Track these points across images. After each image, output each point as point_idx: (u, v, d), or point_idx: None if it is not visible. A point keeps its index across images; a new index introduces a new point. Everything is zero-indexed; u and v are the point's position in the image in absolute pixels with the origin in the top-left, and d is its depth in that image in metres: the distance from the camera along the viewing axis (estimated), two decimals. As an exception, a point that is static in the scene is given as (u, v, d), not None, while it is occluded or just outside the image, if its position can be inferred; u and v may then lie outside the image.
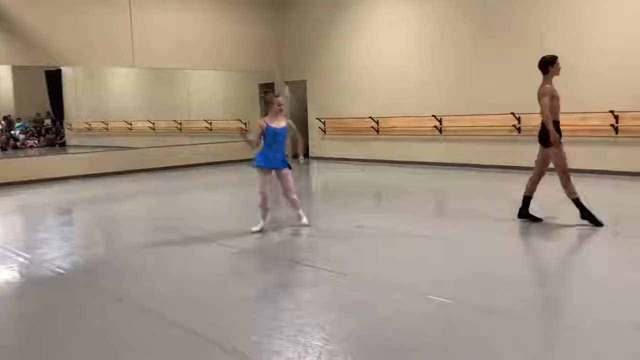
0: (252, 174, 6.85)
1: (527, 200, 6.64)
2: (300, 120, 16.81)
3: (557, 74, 6.39)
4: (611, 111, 10.03)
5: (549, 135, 6.27)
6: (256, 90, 16.85)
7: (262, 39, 16.13)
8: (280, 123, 6.83)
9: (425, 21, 13.32)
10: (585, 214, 6.26)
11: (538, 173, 6.62)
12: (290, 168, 6.93)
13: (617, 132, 10.21)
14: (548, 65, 6.35)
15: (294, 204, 6.97)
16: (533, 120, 11.24)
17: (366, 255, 5.70)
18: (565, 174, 6.32)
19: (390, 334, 3.68)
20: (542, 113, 6.31)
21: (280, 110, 6.84)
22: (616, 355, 3.25)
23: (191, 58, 14.74)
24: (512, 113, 11.68)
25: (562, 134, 6.39)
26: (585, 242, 6.03)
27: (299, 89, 16.56)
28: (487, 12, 12.10)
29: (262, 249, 6.19)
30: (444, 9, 12.89)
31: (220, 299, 4.55)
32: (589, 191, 6.68)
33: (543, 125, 6.36)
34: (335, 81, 15.48)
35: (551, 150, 6.33)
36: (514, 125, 11.77)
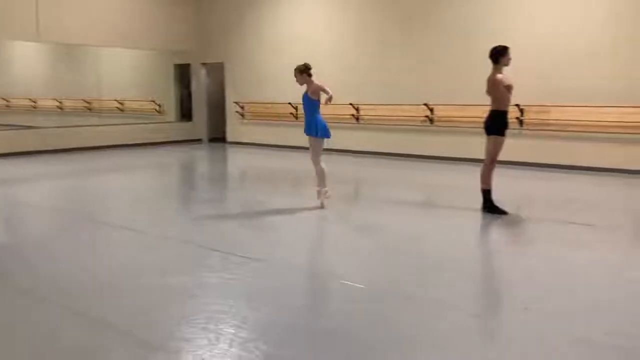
0: (164, 157, 6.58)
1: (487, 193, 6.62)
2: (217, 103, 16.52)
3: (508, 64, 6.47)
4: (517, 105, 10.53)
5: (495, 123, 6.44)
6: (171, 70, 16.31)
7: (178, 18, 15.59)
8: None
9: (345, 7, 13.39)
10: (488, 205, 6.51)
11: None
12: (316, 135, 6.97)
13: (521, 125, 10.75)
14: (498, 55, 6.44)
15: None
16: (446, 112, 11.76)
17: (283, 241, 5.68)
18: (491, 165, 6.55)
19: (303, 320, 3.68)
20: (494, 102, 6.43)
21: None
22: (517, 337, 3.42)
23: (101, 35, 14.01)
24: (426, 104, 12.02)
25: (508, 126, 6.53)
26: (521, 233, 6.28)
27: (217, 71, 16.20)
28: (407, 1, 12.33)
29: (176, 235, 6.00)
30: (363, -2, 13.02)
31: (130, 287, 4.37)
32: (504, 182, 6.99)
33: (491, 113, 6.50)
34: (255, 65, 15.26)
35: (492, 138, 6.51)
36: (426, 116, 12.12)
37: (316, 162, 7.11)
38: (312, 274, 4.55)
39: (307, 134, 7.14)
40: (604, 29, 9.83)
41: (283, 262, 4.90)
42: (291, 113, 14.48)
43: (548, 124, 10.53)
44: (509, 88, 6.41)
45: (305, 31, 14.09)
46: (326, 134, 7.07)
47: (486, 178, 6.58)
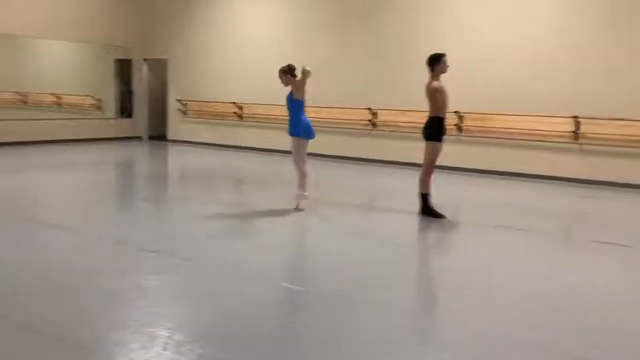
0: (102, 154, 6.38)
1: (425, 197, 6.75)
2: (159, 101, 16.16)
3: (444, 71, 6.60)
4: (456, 112, 10.81)
5: (433, 129, 6.57)
6: (111, 65, 15.82)
7: (120, 12, 15.17)
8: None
9: (293, 8, 13.39)
10: (426, 208, 6.67)
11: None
12: (299, 136, 6.98)
13: (460, 131, 11.05)
14: (434, 62, 6.58)
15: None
16: (388, 116, 11.94)
17: (223, 243, 5.60)
18: (429, 170, 6.69)
19: (240, 322, 3.64)
20: (432, 108, 6.56)
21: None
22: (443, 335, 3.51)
23: (38, 26, 13.44)
24: (369, 108, 12.17)
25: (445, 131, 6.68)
26: (456, 237, 6.42)
27: (160, 67, 15.85)
28: (353, 5, 12.45)
29: (111, 235, 5.81)
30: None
31: (61, 289, 4.20)
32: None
33: (430, 119, 6.62)
34: (199, 62, 15.03)
35: (430, 144, 6.65)
36: (369, 120, 12.27)
37: (300, 164, 7.07)
38: (252, 276, 4.51)
39: (290, 135, 7.11)
40: (543, 40, 10.23)
41: (222, 263, 4.83)
42: (235, 112, 14.35)
43: (485, 131, 10.88)
44: (441, 95, 6.55)
45: (253, 30, 14.00)
46: (310, 134, 7.05)
47: (424, 182, 6.74)
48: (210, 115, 14.92)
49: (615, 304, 4.07)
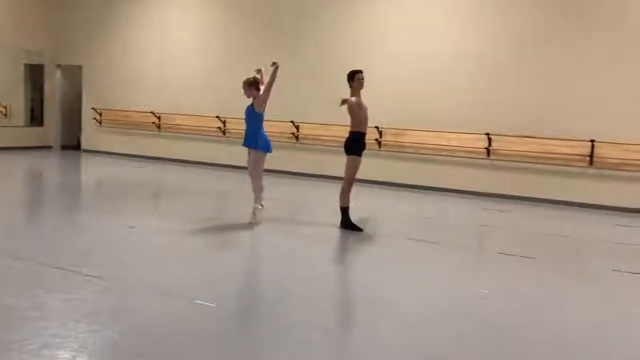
0: (8, 164, 6.00)
1: (345, 210, 6.81)
2: (73, 108, 15.47)
3: (360, 87, 6.73)
4: (376, 127, 11.03)
5: (352, 144, 6.66)
6: (21, 71, 14.98)
7: (31, 14, 14.42)
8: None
9: (218, 17, 13.24)
10: (345, 221, 6.76)
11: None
12: (257, 148, 6.98)
13: (379, 146, 11.30)
14: (349, 78, 6.76)
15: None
16: (311, 130, 12.02)
17: (134, 258, 5.38)
18: (349, 184, 6.77)
19: (151, 340, 3.50)
20: (352, 123, 6.70)
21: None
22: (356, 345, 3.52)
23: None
24: (292, 121, 12.20)
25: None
26: (374, 250, 6.47)
27: (74, 74, 15.19)
28: (279, 18, 12.47)
29: (13, 250, 5.44)
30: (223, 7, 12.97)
31: (-51, 309, 3.87)
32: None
33: (350, 134, 6.72)
34: (117, 69, 14.53)
35: (350, 158, 6.72)
36: (291, 133, 12.30)
37: (255, 178, 7.01)
38: (164, 293, 4.36)
39: (247, 147, 7.08)
40: (457, 59, 10.66)
41: (132, 280, 4.64)
42: (153, 122, 13.96)
43: (403, 146, 11.18)
44: (360, 110, 6.67)
45: (174, 38, 13.71)
46: (268, 148, 7.03)
47: (344, 196, 6.82)
48: (127, 125, 14.43)
49: (518, 314, 4.24)
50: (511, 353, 3.52)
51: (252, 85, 7.09)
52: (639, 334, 3.91)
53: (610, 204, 9.61)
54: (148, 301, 4.18)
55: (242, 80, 7.18)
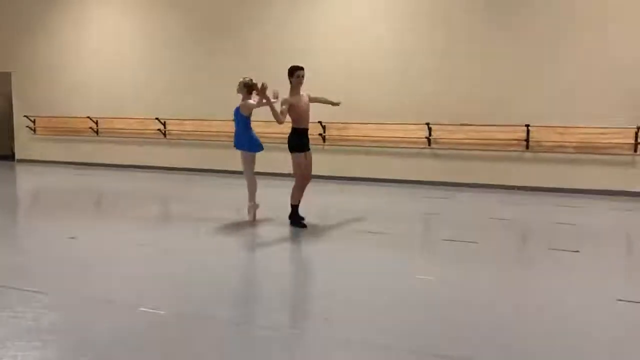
0: None
1: (294, 207, 6.88)
2: (4, 117, 14.82)
3: (300, 84, 6.72)
4: (320, 121, 11.07)
5: (292, 141, 6.69)
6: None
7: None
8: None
9: (150, 19, 12.93)
10: (294, 219, 6.81)
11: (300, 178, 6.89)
12: (241, 149, 7.13)
13: (324, 141, 11.34)
14: (288, 75, 6.72)
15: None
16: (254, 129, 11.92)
17: (76, 270, 5.19)
18: (298, 181, 6.80)
19: (96, 354, 3.39)
20: (292, 120, 6.72)
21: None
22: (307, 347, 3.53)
23: None
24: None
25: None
26: (323, 244, 6.47)
27: (3, 81, 14.54)
28: (206, 19, 12.29)
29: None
30: (158, 7, 12.70)
31: None
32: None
33: (291, 131, 6.73)
34: (49, 75, 14.00)
35: (293, 155, 6.74)
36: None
37: (246, 177, 7.22)
38: (108, 303, 4.23)
39: (236, 148, 7.24)
40: (395, 54, 10.82)
41: (74, 293, 4.48)
42: (91, 128, 13.54)
43: (347, 140, 11.27)
44: (296, 107, 6.68)
45: (108, 41, 13.32)
46: (253, 147, 7.13)
47: (294, 194, 6.85)
48: (63, 131, 13.94)
49: (463, 299, 4.36)
50: (464, 337, 3.61)
51: (247, 86, 7.16)
52: (577, 311, 4.08)
53: (547, 186, 10.00)
54: (91, 313, 4.06)
55: (240, 80, 7.21)
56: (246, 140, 7.14)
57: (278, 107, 6.70)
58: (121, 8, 13.16)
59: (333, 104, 7.45)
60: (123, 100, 13.22)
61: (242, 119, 7.17)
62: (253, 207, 7.24)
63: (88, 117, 13.47)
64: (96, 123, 13.50)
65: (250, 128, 7.23)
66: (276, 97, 6.97)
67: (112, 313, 4.05)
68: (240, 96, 7.25)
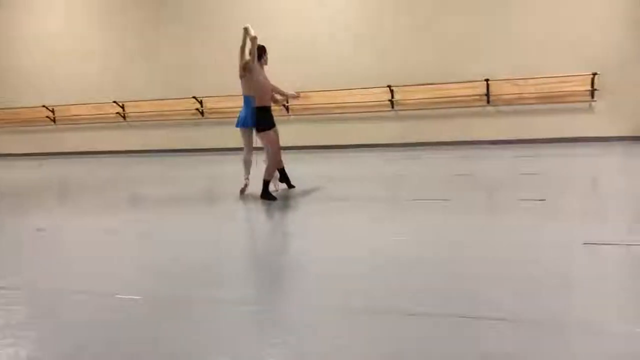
0: None
1: (267, 183, 6.88)
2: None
3: (266, 63, 6.84)
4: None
5: (262, 120, 6.66)
6: None
7: None
8: None
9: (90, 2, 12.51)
10: (265, 195, 6.81)
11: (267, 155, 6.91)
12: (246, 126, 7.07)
13: (287, 111, 11.26)
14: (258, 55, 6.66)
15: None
16: (216, 103, 11.75)
17: (48, 261, 5.09)
18: (274, 160, 6.81)
19: (73, 344, 3.35)
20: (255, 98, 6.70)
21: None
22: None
23: None
24: (194, 97, 11.88)
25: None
26: (296, 215, 6.46)
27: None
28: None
29: None
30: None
31: None
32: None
33: (256, 109, 6.68)
34: (-4, 65, 13.50)
35: (263, 135, 6.73)
36: (196, 109, 12.00)
37: (244, 152, 7.21)
38: (83, 293, 4.17)
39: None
40: (355, 20, 10.72)
41: (46, 285, 4.40)
42: (47, 117, 13.14)
43: (311, 108, 11.21)
44: (262, 86, 6.68)
45: (58, 28, 12.84)
46: (237, 123, 7.13)
47: (269, 171, 6.84)
48: (17, 123, 13.51)
49: (441, 256, 4.43)
50: (436, 291, 3.68)
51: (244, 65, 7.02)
52: (545, 256, 4.20)
53: (509, 138, 10.17)
54: (66, 305, 3.99)
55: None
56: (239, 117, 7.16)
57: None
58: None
59: (287, 97, 7.55)
60: (77, 85, 12.84)
61: (245, 98, 7.14)
62: (244, 181, 7.28)
63: (44, 106, 13.06)
64: (52, 112, 13.11)
65: (249, 104, 7.08)
66: (298, 95, 7.46)
67: (87, 303, 3.99)
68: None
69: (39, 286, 4.40)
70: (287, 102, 7.65)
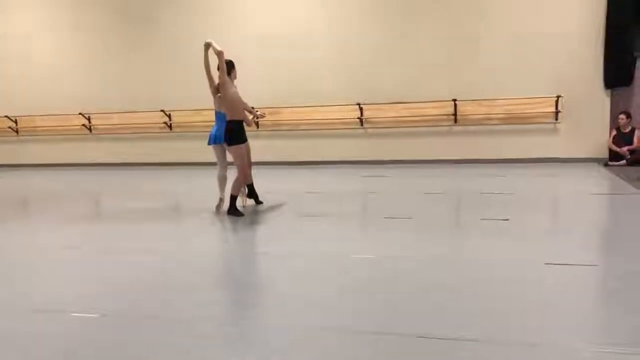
0: None
1: (234, 198, 6.81)
2: None
3: (235, 77, 6.81)
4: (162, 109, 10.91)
5: (233, 135, 6.61)
6: None
7: None
8: None
9: (57, 8, 12.33)
10: (232, 209, 6.73)
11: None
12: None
13: (257, 127, 11.23)
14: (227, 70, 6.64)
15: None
16: (185, 117, 11.63)
17: (1, 280, 4.92)
18: (242, 174, 6.74)
19: (25, 367, 3.22)
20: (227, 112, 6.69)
21: None
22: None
23: None
24: (163, 110, 11.77)
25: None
26: (265, 232, 6.39)
27: None
28: (128, 5, 11.85)
29: None
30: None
31: None
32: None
33: (228, 124, 6.65)
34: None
35: (233, 149, 6.67)
36: (164, 123, 11.88)
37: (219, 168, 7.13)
38: (36, 312, 4.03)
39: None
40: (327, 38, 10.80)
41: (5, 301, 4.25)
42: (9, 127, 12.84)
43: (280, 124, 11.21)
44: (232, 101, 6.64)
45: (22, 35, 12.59)
46: (209, 141, 7.10)
47: (237, 185, 6.77)
48: (-21, 132, 13.17)
49: (408, 275, 4.44)
50: (400, 310, 3.67)
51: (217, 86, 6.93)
52: (508, 276, 4.24)
53: (475, 157, 10.33)
54: (20, 324, 3.85)
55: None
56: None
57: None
58: (32, -1, 12.48)
59: (254, 116, 7.56)
60: (42, 96, 12.59)
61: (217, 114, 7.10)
62: (219, 199, 7.13)
63: (6, 117, 12.75)
64: (15, 122, 12.80)
65: (219, 121, 7.06)
66: (263, 115, 7.58)
67: (42, 321, 3.86)
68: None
69: (5, 301, 4.23)
70: (257, 119, 7.62)
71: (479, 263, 4.60)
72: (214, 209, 7.07)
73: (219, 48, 6.56)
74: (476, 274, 4.32)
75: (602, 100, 9.80)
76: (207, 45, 6.67)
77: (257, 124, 11.16)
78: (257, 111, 7.56)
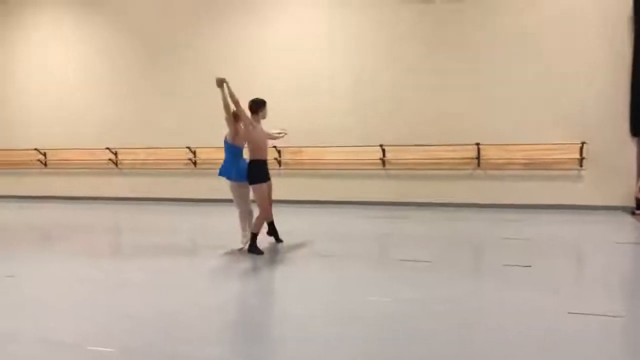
0: None
1: (254, 236, 6.78)
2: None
3: (264, 117, 6.80)
4: (274, 146, 11.07)
5: (254, 173, 6.65)
6: None
7: None
8: None
9: (84, 44, 12.73)
10: (252, 248, 6.71)
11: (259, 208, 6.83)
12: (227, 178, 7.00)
13: (280, 165, 11.30)
14: (256, 108, 6.69)
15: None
16: (210, 154, 11.79)
17: (16, 310, 4.94)
18: (264, 212, 6.74)
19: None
20: (250, 151, 6.72)
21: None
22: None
23: None
24: (188, 147, 11.95)
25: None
26: (278, 271, 6.38)
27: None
28: (155, 45, 12.20)
29: None
30: (109, 37, 12.55)
31: None
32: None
33: (250, 162, 6.69)
34: (-9, 107, 13.58)
35: (253, 187, 6.70)
36: (189, 159, 12.04)
37: (236, 206, 7.06)
38: (53, 345, 4.03)
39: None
40: (348, 78, 10.96)
41: (14, 335, 4.26)
42: (39, 160, 13.14)
43: (302, 163, 11.28)
44: (253, 139, 6.69)
45: (51, 71, 13.02)
46: (220, 173, 7.06)
47: (258, 223, 6.77)
48: (6, 165, 13.49)
49: (422, 318, 4.36)
50: (420, 355, 3.59)
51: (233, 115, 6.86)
52: (530, 325, 4.13)
53: (498, 202, 10.22)
54: (36, 357, 3.86)
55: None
56: (232, 169, 6.98)
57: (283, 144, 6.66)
58: (65, 34, 12.92)
59: (278, 136, 7.56)
60: (71, 130, 12.90)
61: (227, 147, 7.07)
62: (243, 236, 7.04)
63: (36, 149, 13.07)
64: (44, 155, 13.11)
65: (239, 157, 7.05)
66: (285, 133, 7.55)
67: (57, 355, 3.86)
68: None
69: (8, 337, 4.25)
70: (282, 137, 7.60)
71: (500, 310, 4.50)
72: (240, 246, 7.03)
73: (233, 92, 6.49)
74: (496, 321, 4.23)
75: (628, 147, 9.68)
76: (220, 82, 6.51)
77: (279, 162, 11.26)
78: (279, 133, 7.52)
